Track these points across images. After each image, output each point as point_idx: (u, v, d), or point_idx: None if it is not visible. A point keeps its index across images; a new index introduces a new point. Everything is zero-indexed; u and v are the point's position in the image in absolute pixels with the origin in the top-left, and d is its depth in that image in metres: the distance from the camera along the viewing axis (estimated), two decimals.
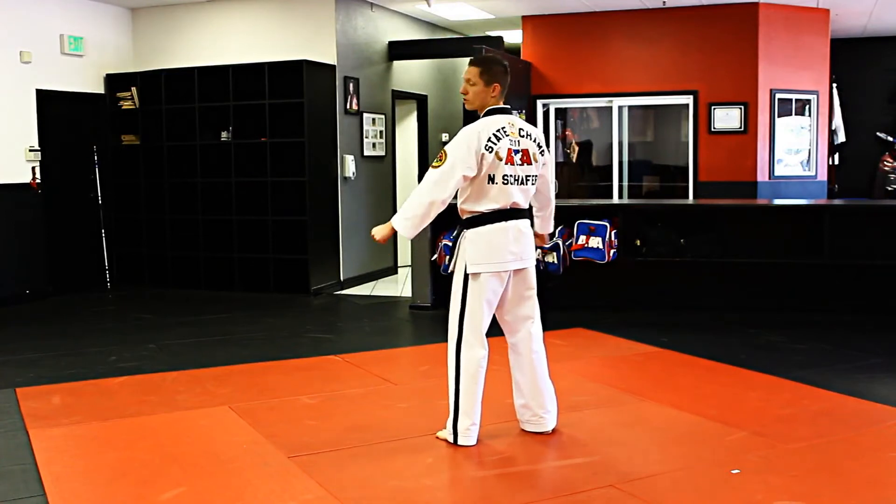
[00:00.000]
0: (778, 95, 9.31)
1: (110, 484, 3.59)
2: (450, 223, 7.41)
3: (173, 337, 6.53)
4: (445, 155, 3.70)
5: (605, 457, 3.48)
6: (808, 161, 9.71)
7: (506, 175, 3.74)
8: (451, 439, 3.86)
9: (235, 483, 3.52)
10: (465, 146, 3.71)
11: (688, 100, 9.39)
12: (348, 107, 8.80)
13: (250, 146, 8.56)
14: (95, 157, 8.99)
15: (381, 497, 3.37)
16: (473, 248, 3.75)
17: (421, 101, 10.56)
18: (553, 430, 4.02)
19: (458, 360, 3.77)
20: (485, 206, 3.74)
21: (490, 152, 3.71)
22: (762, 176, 9.29)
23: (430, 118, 10.66)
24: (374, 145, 9.32)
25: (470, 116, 4.01)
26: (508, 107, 3.96)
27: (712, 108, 9.29)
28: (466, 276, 3.75)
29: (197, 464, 3.76)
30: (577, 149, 10.40)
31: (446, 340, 3.86)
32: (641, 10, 9.42)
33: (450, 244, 7.04)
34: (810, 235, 7.05)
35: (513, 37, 10.66)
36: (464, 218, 3.80)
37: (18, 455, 3.92)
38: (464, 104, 3.92)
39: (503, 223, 3.75)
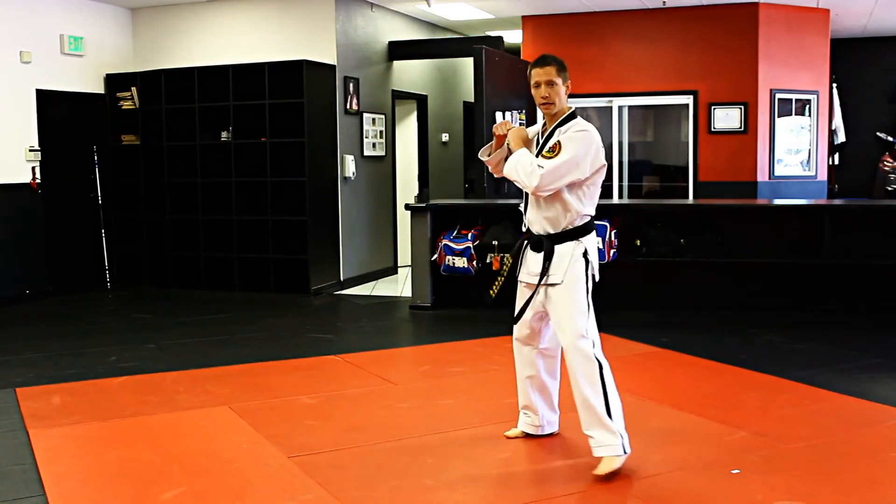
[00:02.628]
0: (778, 95, 9.31)
1: (110, 484, 3.60)
2: (450, 223, 7.47)
3: (173, 337, 6.53)
4: (560, 148, 3.51)
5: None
6: (808, 161, 9.71)
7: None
8: (620, 452, 3.48)
9: (235, 483, 3.53)
10: (593, 147, 3.55)
11: (688, 100, 9.39)
12: (348, 107, 8.80)
13: (250, 146, 8.55)
14: (95, 157, 8.99)
15: (381, 497, 3.37)
16: (594, 253, 3.64)
17: (421, 101, 10.55)
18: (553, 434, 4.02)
19: (601, 363, 3.52)
20: (592, 210, 3.65)
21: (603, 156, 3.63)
22: (762, 176, 9.29)
23: (430, 118, 10.65)
24: (374, 145, 9.32)
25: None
26: (574, 109, 3.73)
27: (712, 108, 9.29)
28: (593, 281, 3.62)
29: (197, 464, 3.76)
30: None
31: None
32: (641, 10, 9.41)
33: (457, 246, 7.13)
34: (810, 235, 7.05)
35: (513, 37, 10.66)
36: (576, 225, 3.59)
37: (18, 455, 3.92)
38: (542, 113, 3.69)
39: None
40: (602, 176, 3.64)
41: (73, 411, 4.57)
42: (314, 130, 8.36)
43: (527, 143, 3.66)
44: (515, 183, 3.62)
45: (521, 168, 3.53)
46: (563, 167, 3.48)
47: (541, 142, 3.68)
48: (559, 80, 3.63)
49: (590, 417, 3.51)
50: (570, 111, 3.69)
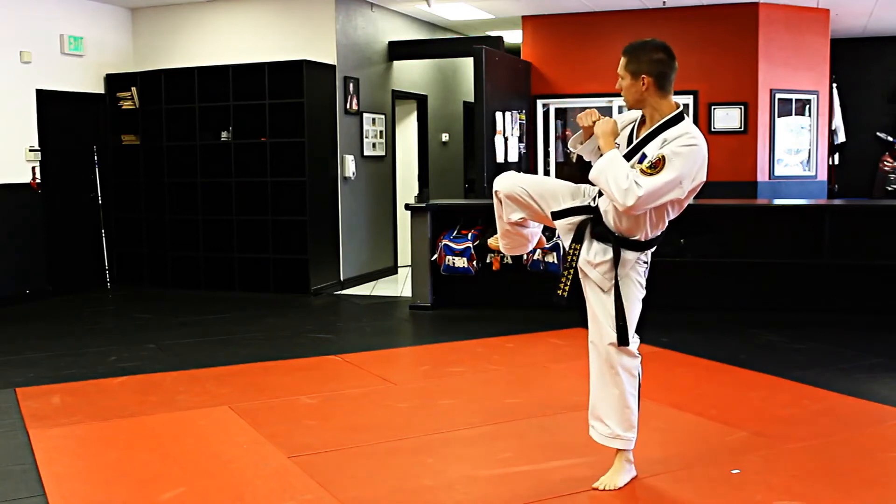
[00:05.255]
0: (778, 95, 9.31)
1: (110, 484, 3.59)
2: (450, 223, 7.47)
3: (173, 337, 6.53)
4: (664, 164, 3.05)
5: (605, 457, 3.47)
6: (808, 161, 9.71)
7: None
8: (630, 447, 3.39)
9: (235, 483, 3.52)
10: (698, 163, 3.12)
11: (688, 100, 9.39)
12: (348, 107, 8.80)
13: (250, 146, 8.55)
14: (95, 157, 8.99)
15: (381, 497, 3.37)
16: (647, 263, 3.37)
17: (421, 101, 10.55)
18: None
19: (639, 371, 3.40)
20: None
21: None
22: (762, 176, 9.29)
23: (430, 118, 10.65)
24: (374, 145, 9.32)
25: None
26: (680, 110, 3.22)
27: (712, 108, 9.29)
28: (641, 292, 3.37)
29: (197, 464, 3.76)
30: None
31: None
32: (641, 10, 9.42)
33: (457, 246, 7.12)
34: (810, 235, 7.04)
35: (513, 37, 10.66)
36: (649, 238, 3.27)
37: (18, 455, 3.92)
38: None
39: None
40: (697, 191, 3.18)
41: (73, 411, 4.57)
42: (314, 130, 8.36)
43: (616, 137, 3.28)
44: (602, 191, 3.19)
45: (614, 181, 3.06)
46: (664, 187, 3.04)
47: (635, 140, 3.26)
48: (626, 74, 3.21)
49: (616, 411, 3.34)
50: (677, 112, 3.19)
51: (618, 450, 3.41)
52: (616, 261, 3.28)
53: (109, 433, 4.23)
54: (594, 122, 3.34)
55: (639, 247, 3.29)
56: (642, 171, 3.06)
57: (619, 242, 3.27)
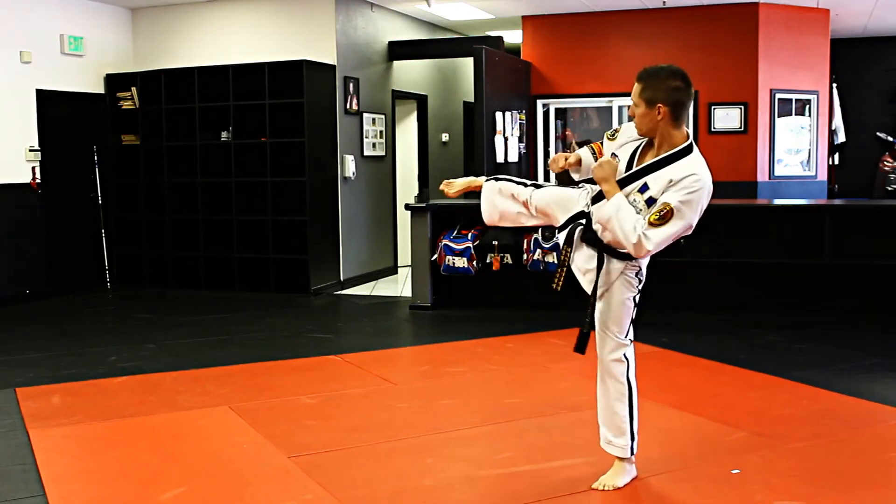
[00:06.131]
0: (778, 95, 9.31)
1: (110, 484, 3.60)
2: (450, 223, 7.47)
3: (173, 337, 6.53)
4: (672, 214, 3.01)
5: (605, 457, 3.48)
6: (808, 161, 9.71)
7: None
8: (628, 454, 3.38)
9: (235, 483, 3.52)
10: (703, 200, 3.09)
11: None
12: (348, 107, 8.80)
13: (250, 146, 8.56)
14: (95, 157, 8.99)
15: (381, 497, 3.37)
16: (643, 272, 3.34)
17: (421, 101, 10.55)
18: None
19: (630, 384, 3.37)
20: None
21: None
22: (762, 176, 9.29)
23: (430, 118, 10.65)
24: (374, 145, 9.32)
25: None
26: (690, 142, 3.13)
27: (712, 108, 9.28)
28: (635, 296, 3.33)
29: (197, 464, 3.76)
30: (577, 149, 10.38)
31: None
32: (641, 10, 9.41)
33: (457, 246, 7.12)
34: (810, 235, 7.04)
35: (513, 37, 10.66)
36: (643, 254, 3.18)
37: (18, 455, 3.92)
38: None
39: None
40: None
41: (73, 411, 4.57)
42: (314, 130, 8.36)
43: (615, 176, 3.18)
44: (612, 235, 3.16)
45: (622, 232, 3.05)
46: (674, 235, 3.04)
47: (638, 165, 3.17)
48: (641, 102, 3.08)
49: (606, 417, 3.40)
50: (686, 144, 3.09)
51: None
52: (600, 268, 3.26)
53: (109, 433, 4.23)
54: (568, 163, 3.37)
55: (626, 257, 3.24)
56: (650, 223, 3.02)
57: (607, 250, 3.25)
